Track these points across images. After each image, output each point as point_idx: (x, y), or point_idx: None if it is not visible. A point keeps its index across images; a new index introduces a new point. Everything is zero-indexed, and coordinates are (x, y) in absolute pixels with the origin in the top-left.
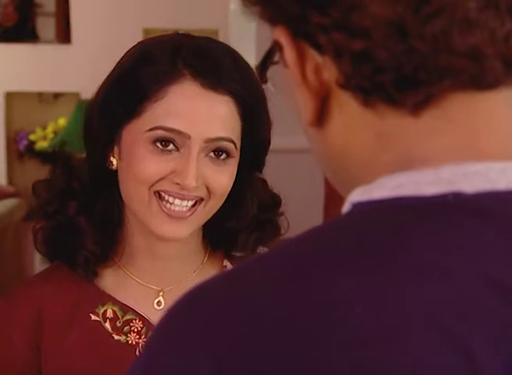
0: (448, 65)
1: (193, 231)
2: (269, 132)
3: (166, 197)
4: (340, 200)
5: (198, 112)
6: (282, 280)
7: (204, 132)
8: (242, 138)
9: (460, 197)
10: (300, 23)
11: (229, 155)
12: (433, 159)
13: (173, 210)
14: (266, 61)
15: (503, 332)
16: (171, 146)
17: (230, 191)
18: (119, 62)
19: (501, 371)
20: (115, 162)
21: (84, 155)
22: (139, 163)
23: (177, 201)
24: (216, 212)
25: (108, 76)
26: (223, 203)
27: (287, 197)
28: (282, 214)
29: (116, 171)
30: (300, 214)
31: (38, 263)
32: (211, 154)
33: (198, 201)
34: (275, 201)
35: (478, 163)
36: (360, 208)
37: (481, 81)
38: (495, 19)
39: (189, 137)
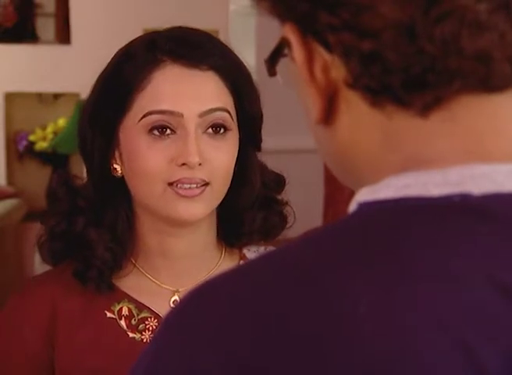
0: (457, 67)
1: (205, 220)
2: (260, 104)
3: (175, 183)
4: (340, 201)
5: (185, 90)
6: (288, 280)
7: (195, 108)
8: (236, 115)
9: (466, 199)
10: (310, 22)
11: (226, 128)
12: (440, 161)
13: (184, 190)
14: (275, 56)
15: (511, 337)
16: (168, 131)
17: (234, 172)
18: (101, 72)
19: None
20: (119, 168)
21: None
22: (141, 157)
23: (186, 185)
24: (224, 197)
25: (94, 85)
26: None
27: (287, 197)
28: (286, 203)
29: (120, 178)
30: (300, 214)
31: (38, 263)
32: (209, 130)
33: (205, 185)
34: (279, 180)
35: (484, 165)
36: (366, 208)
37: (489, 84)
38: (505, 22)
39: (181, 116)
